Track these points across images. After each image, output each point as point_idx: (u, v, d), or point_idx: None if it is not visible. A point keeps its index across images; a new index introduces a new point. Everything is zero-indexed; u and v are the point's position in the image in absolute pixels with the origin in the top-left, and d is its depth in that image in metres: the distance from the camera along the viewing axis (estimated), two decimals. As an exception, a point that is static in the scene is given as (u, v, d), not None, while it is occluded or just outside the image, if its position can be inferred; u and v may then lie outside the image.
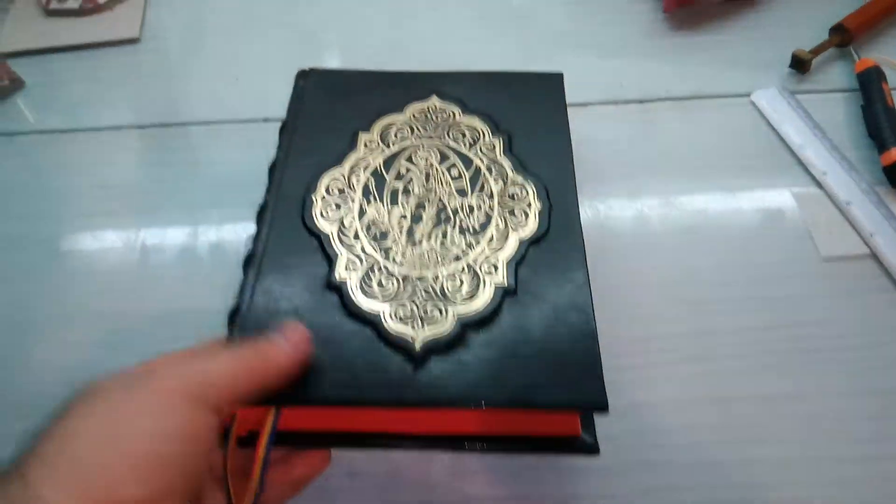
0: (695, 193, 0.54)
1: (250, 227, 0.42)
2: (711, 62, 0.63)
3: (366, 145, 0.45)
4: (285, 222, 0.41)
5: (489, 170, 0.43)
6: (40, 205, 0.56)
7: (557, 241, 0.40)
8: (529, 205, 0.42)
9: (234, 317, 0.38)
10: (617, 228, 0.52)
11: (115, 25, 0.64)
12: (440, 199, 0.42)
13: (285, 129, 0.47)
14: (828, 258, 0.49)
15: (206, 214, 0.54)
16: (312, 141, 0.46)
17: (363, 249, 0.39)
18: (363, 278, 0.38)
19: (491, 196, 0.42)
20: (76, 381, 0.29)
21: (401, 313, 0.37)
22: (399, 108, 0.48)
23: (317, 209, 0.42)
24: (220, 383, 0.30)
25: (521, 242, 0.40)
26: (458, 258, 0.39)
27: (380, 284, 0.38)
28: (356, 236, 0.40)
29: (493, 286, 0.38)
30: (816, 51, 0.61)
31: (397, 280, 0.38)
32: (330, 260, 0.39)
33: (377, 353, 0.36)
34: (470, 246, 0.40)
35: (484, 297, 0.37)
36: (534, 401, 0.34)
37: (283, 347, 0.33)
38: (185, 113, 0.61)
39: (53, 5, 0.64)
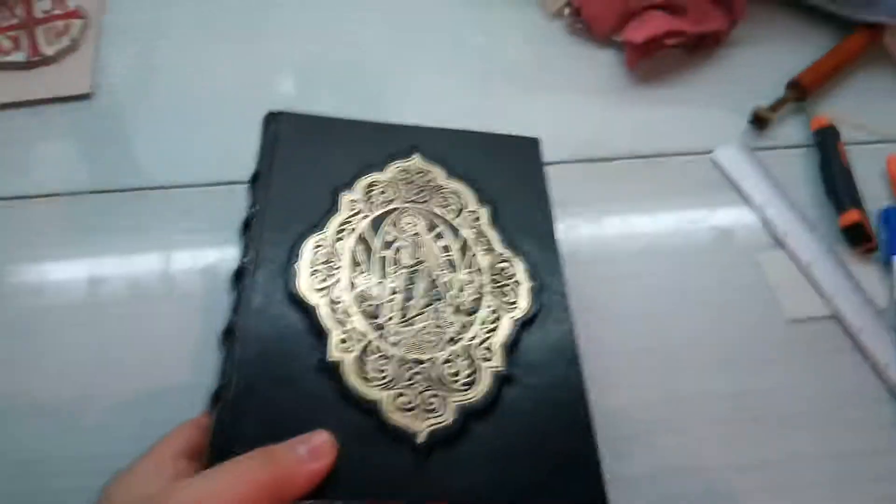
0: (662, 257, 0.59)
1: (223, 297, 0.43)
2: (674, 117, 0.68)
3: (349, 206, 0.46)
4: (267, 291, 0.41)
5: (476, 243, 0.47)
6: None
7: (548, 321, 0.44)
8: (518, 283, 0.45)
9: (218, 398, 0.38)
10: (585, 294, 0.53)
11: (64, 80, 0.65)
12: (429, 273, 0.44)
13: (258, 181, 0.47)
14: (792, 320, 0.55)
15: (171, 285, 0.55)
16: (290, 196, 0.46)
17: (356, 327, 0.41)
18: (358, 359, 0.39)
19: (480, 272, 0.45)
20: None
21: (400, 402, 0.38)
22: (379, 163, 0.49)
23: (302, 279, 0.42)
24: None
25: (514, 323, 0.43)
26: (452, 340, 0.42)
27: (376, 368, 0.39)
28: (347, 312, 0.41)
29: (490, 373, 0.41)
30: (775, 107, 0.67)
31: (395, 364, 0.40)
32: (320, 336, 0.40)
33: (378, 446, 0.37)
34: (464, 327, 0.43)
35: (482, 385, 0.40)
36: (538, 501, 0.38)
37: (304, 464, 0.34)
38: (144, 176, 0.61)
39: (-2, 58, 0.65)
